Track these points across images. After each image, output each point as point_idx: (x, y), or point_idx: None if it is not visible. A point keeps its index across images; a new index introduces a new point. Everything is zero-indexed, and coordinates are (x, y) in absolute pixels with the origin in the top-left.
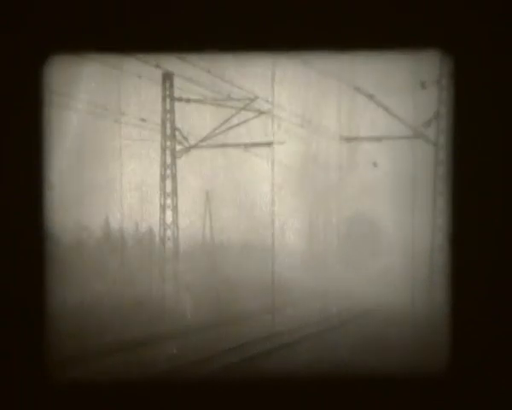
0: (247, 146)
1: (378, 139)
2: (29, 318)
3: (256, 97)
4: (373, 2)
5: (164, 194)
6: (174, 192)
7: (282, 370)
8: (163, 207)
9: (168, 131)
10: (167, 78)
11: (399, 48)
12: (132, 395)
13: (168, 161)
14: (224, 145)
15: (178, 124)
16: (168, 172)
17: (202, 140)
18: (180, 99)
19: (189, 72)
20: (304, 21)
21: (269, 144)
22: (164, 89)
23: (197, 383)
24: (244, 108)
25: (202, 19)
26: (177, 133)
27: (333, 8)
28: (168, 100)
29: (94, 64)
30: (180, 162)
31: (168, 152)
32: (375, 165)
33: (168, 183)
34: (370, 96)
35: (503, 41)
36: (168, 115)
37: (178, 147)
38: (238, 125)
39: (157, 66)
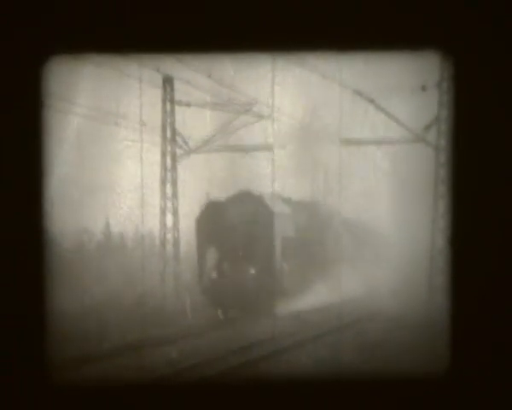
0: (247, 150)
1: (378, 143)
2: (30, 320)
3: (256, 101)
4: (373, 3)
5: (164, 197)
6: (174, 195)
7: (282, 373)
8: (163, 211)
9: (168, 135)
10: (168, 81)
11: (400, 48)
12: (132, 397)
13: (169, 164)
14: (224, 149)
15: (179, 128)
16: (169, 175)
17: (203, 144)
18: (180, 103)
19: (190, 76)
20: (303, 23)
21: (269, 148)
22: (164, 92)
23: (197, 386)
24: (244, 112)
25: (202, 20)
26: (177, 137)
27: (333, 10)
28: (168, 104)
29: (94, 67)
30: (181, 166)
31: (169, 155)
32: None
33: (168, 186)
34: (371, 100)
35: (504, 43)
36: (168, 119)
37: (179, 151)
38: (238, 128)
39: (157, 69)
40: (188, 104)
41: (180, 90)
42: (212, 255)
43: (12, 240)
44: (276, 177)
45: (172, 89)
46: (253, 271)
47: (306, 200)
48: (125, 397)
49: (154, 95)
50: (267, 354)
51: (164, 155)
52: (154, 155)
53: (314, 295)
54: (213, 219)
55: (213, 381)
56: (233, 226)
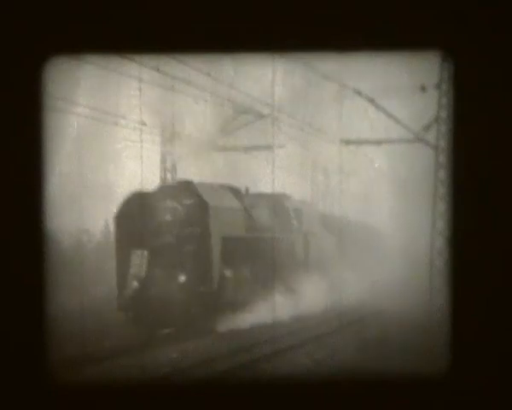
0: (247, 149)
1: (378, 143)
2: (30, 320)
3: (256, 101)
4: (373, 3)
5: None
6: None
7: (282, 373)
8: None
9: (168, 135)
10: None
11: (400, 49)
12: (133, 398)
13: (168, 164)
14: (224, 149)
15: (179, 128)
16: (168, 175)
17: (203, 144)
18: (180, 103)
19: (189, 75)
20: (303, 22)
21: (269, 147)
22: (164, 92)
23: (197, 386)
24: (244, 112)
25: (202, 20)
26: (177, 137)
27: (333, 10)
28: (168, 104)
29: (94, 67)
30: (180, 166)
31: (168, 156)
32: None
33: None
34: (371, 100)
35: (504, 44)
36: (168, 119)
37: (179, 151)
38: (238, 128)
39: (157, 69)
40: (187, 104)
41: (180, 90)
42: (134, 261)
43: (11, 240)
44: (276, 177)
45: (172, 88)
46: (182, 279)
47: (270, 193)
48: (126, 397)
49: (154, 94)
50: (267, 354)
51: (164, 155)
52: (154, 155)
53: (271, 307)
54: (137, 215)
55: (213, 381)
56: (162, 224)
